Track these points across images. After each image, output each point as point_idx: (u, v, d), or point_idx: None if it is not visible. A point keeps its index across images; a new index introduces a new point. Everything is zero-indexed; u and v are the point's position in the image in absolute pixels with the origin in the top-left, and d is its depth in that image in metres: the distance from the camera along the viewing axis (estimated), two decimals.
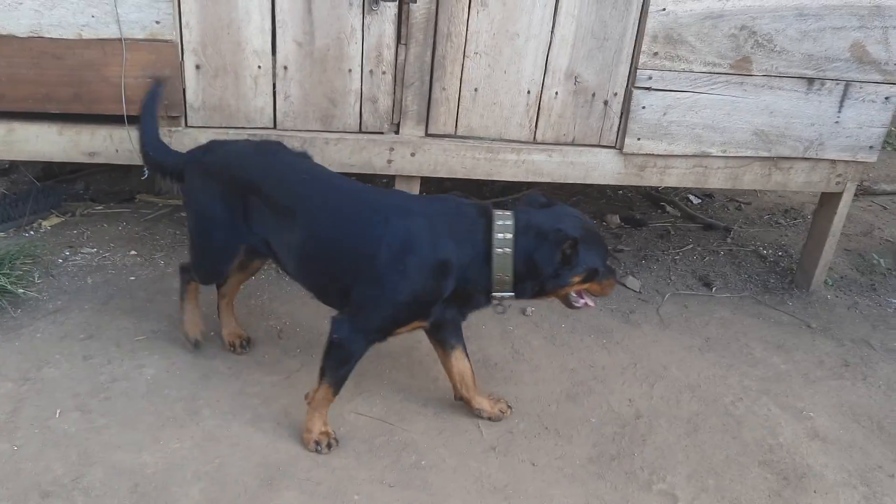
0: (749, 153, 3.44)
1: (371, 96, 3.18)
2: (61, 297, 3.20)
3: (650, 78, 3.22)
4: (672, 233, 4.49)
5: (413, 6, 3.03)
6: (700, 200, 5.09)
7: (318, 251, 2.47)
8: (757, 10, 3.14)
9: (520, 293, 2.37)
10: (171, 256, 3.61)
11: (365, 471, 2.47)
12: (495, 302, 2.44)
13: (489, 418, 2.73)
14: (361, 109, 3.20)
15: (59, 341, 2.92)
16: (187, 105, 3.08)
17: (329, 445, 2.51)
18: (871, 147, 3.49)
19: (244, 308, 3.28)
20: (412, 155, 3.27)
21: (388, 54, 3.11)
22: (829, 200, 3.73)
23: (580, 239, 2.31)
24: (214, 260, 2.73)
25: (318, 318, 3.25)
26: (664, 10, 3.10)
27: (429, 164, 3.30)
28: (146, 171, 3.11)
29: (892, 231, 4.85)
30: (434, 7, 3.04)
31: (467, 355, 2.70)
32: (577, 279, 2.39)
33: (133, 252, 3.62)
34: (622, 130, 3.34)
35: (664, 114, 3.30)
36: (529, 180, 3.40)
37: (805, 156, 3.48)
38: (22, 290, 3.13)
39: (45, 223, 3.79)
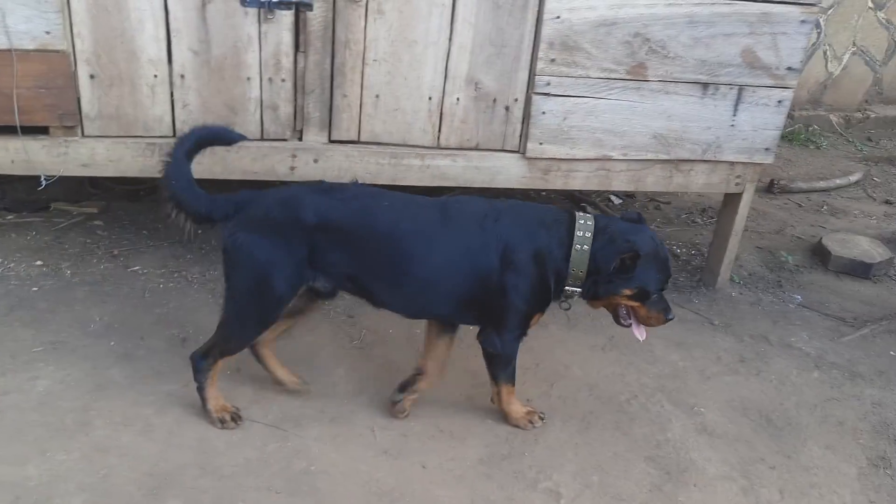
0: (650, 156, 3.53)
1: (271, 104, 3.19)
2: None
3: (549, 84, 3.29)
4: None
5: (309, 14, 3.06)
6: (621, 201, 5.19)
7: (434, 276, 2.60)
8: (649, 18, 3.23)
9: (584, 291, 2.62)
10: (78, 266, 3.59)
11: (253, 478, 2.49)
12: (563, 298, 2.66)
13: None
14: (262, 117, 3.22)
15: None
16: (83, 115, 3.06)
17: (541, 418, 2.84)
18: (766, 149, 3.61)
19: (149, 317, 3.27)
20: (315, 161, 3.29)
21: (287, 62, 3.13)
22: (730, 201, 3.84)
23: (643, 255, 2.52)
24: (270, 310, 2.58)
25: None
26: (559, 17, 3.16)
27: (333, 171, 3.33)
28: (44, 182, 3.10)
29: (803, 228, 5.00)
30: (331, 15, 3.07)
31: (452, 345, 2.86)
32: (627, 292, 2.59)
33: (38, 262, 3.59)
34: (524, 135, 3.40)
35: (564, 119, 3.37)
36: (435, 185, 3.44)
37: (704, 158, 3.58)
38: None
39: None
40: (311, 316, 2.99)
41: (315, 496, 2.44)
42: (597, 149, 3.47)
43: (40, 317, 3.17)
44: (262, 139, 3.26)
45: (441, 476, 2.57)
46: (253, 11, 3.02)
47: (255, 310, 2.58)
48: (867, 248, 4.46)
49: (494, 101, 3.34)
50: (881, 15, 6.95)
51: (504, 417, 2.83)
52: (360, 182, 2.83)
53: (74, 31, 2.92)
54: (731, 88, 3.44)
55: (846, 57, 7.01)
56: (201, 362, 2.64)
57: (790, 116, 6.99)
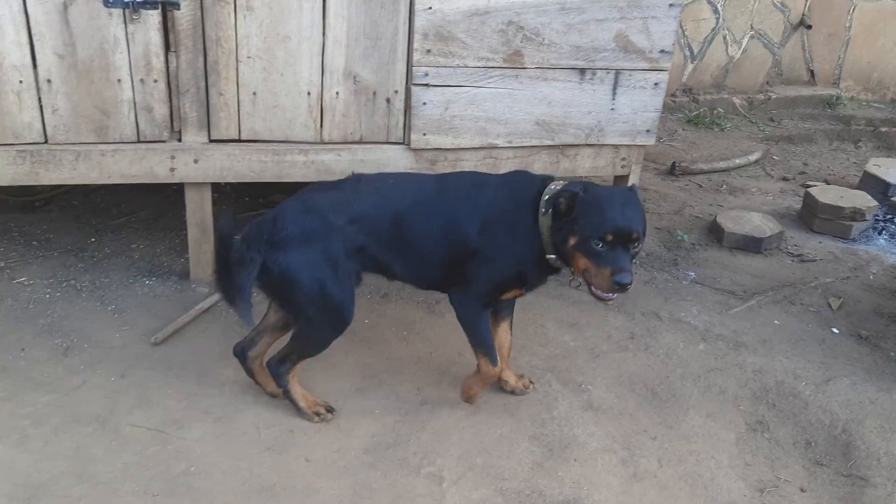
0: (534, 142, 3.59)
1: (145, 105, 3.15)
2: None
3: (427, 75, 3.32)
4: None
5: (177, 13, 3.03)
6: None
7: (426, 245, 2.69)
8: (521, 6, 3.28)
9: (557, 255, 2.55)
10: None
11: (130, 483, 2.46)
12: (554, 272, 2.65)
13: (512, 391, 2.97)
14: (137, 119, 3.17)
15: None
16: None
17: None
18: (647, 131, 3.70)
19: (31, 328, 3.20)
20: (196, 162, 3.26)
21: (158, 62, 3.09)
22: (619, 183, 3.93)
23: (582, 197, 2.42)
24: (339, 312, 2.63)
25: (108, 332, 3.20)
26: (430, 8, 3.19)
27: (214, 171, 3.30)
28: None
29: (702, 208, 5.13)
30: (199, 13, 3.04)
31: (511, 330, 2.97)
32: (572, 241, 2.45)
33: None
34: (408, 127, 3.42)
35: (446, 108, 3.40)
36: (322, 180, 3.44)
37: (588, 142, 3.66)
38: None
39: None
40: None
41: (193, 496, 2.42)
42: (481, 137, 3.51)
43: None
44: (138, 141, 3.22)
45: (325, 468, 2.58)
46: (117, 12, 2.97)
47: (326, 318, 2.63)
48: (759, 224, 4.61)
49: (374, 93, 3.35)
50: None
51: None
52: (353, 174, 2.90)
53: None
54: (607, 73, 3.52)
55: (745, 41, 7.22)
56: (279, 368, 2.72)
57: (695, 100, 7.18)
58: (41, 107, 3.06)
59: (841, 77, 7.66)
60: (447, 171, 3.58)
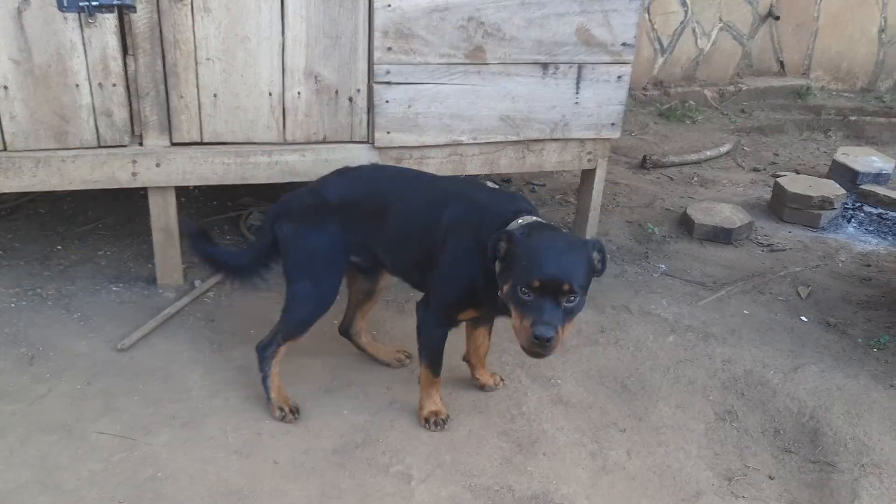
0: (500, 138, 3.59)
1: (105, 110, 3.12)
2: None
3: (388, 72, 3.31)
4: None
5: (133, 16, 3.00)
6: (497, 186, 5.25)
7: (403, 242, 2.69)
8: (481, 2, 3.28)
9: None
10: None
11: (96, 490, 2.43)
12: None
13: (484, 388, 2.97)
14: (97, 123, 3.14)
15: None
16: None
17: (437, 423, 2.74)
18: (612, 124, 3.71)
19: None
20: (158, 166, 3.23)
21: (116, 66, 3.06)
22: (587, 177, 3.94)
23: (519, 241, 2.25)
24: (324, 286, 2.74)
25: (74, 339, 3.17)
26: (390, 6, 3.18)
27: (177, 174, 3.27)
28: None
29: (673, 200, 5.16)
30: (156, 16, 3.01)
31: (490, 335, 2.93)
32: (505, 287, 2.26)
33: None
34: (371, 125, 3.41)
35: (409, 106, 3.39)
36: (287, 181, 3.42)
37: (553, 137, 3.66)
38: None
39: None
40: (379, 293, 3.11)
41: (159, 502, 2.39)
42: (446, 134, 3.51)
43: None
44: (98, 146, 3.18)
45: (292, 470, 2.56)
46: (73, 16, 2.94)
47: (311, 289, 2.71)
48: (728, 215, 4.64)
49: (337, 92, 3.34)
50: None
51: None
52: (371, 164, 3.07)
53: None
54: (570, 67, 3.53)
55: (714, 33, 7.26)
56: (265, 352, 2.75)
57: (666, 93, 7.22)
58: None
59: (810, 67, 7.72)
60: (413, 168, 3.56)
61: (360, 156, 3.46)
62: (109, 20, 2.98)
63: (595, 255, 2.31)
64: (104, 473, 2.50)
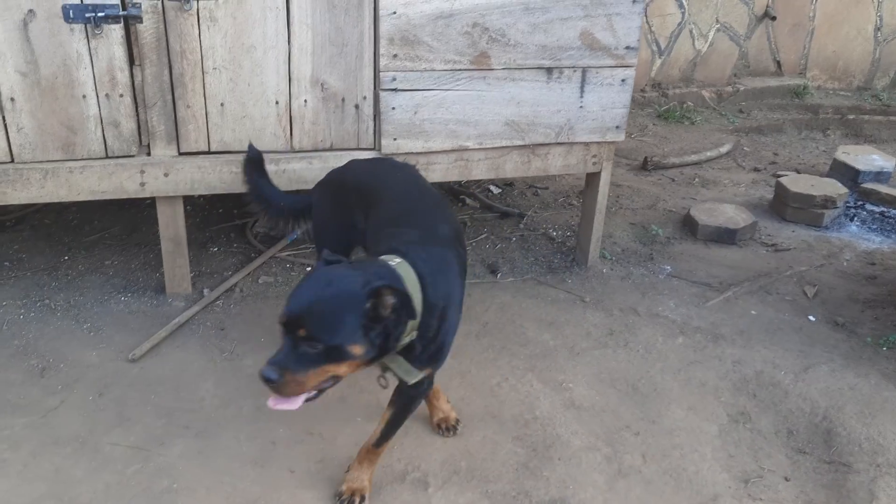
0: (505, 143, 3.59)
1: (112, 120, 3.11)
2: None
3: (394, 79, 3.31)
4: (469, 224, 4.63)
5: (140, 27, 2.99)
6: (500, 190, 5.27)
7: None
8: (485, 8, 3.28)
9: None
10: None
11: (112, 503, 2.42)
12: None
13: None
14: (104, 134, 3.13)
15: None
16: None
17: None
18: (617, 127, 3.72)
19: (5, 349, 3.16)
20: (166, 175, 3.23)
21: (123, 77, 3.06)
22: (592, 180, 3.94)
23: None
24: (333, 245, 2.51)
25: (84, 350, 3.16)
26: (395, 13, 3.19)
27: (185, 183, 3.27)
28: None
29: (675, 202, 5.17)
30: (162, 26, 3.01)
31: None
32: None
33: None
34: (378, 132, 3.42)
35: (415, 113, 3.39)
36: (294, 189, 3.42)
37: (558, 141, 3.67)
38: None
39: None
40: None
41: None
42: (452, 140, 3.51)
43: None
44: (106, 157, 3.18)
45: (308, 479, 2.56)
46: (79, 27, 2.94)
47: (322, 245, 2.69)
48: (732, 215, 4.65)
49: (343, 100, 3.34)
50: None
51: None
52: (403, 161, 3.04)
53: None
54: (574, 71, 3.53)
55: (711, 34, 7.28)
56: None
57: (664, 95, 7.23)
58: (5, 126, 3.01)
59: (807, 67, 7.75)
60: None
61: None
62: (116, 31, 2.98)
63: (369, 302, 1.96)
64: (119, 486, 2.49)
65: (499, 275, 4.02)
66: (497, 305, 3.71)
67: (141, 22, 2.99)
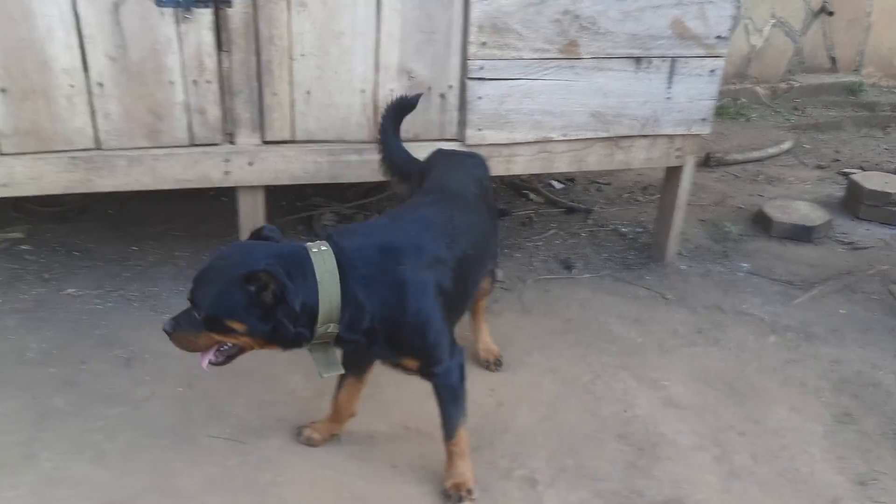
0: (589, 135, 3.51)
1: (198, 107, 3.06)
2: None
3: (482, 68, 3.23)
4: (535, 220, 4.55)
5: (230, 11, 2.94)
6: (563, 185, 5.18)
7: None
8: None
9: None
10: (7, 294, 3.38)
11: (218, 496, 2.36)
12: None
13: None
14: (190, 122, 3.08)
15: None
16: None
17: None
18: (703, 119, 3.62)
19: (88, 340, 3.11)
20: (250, 164, 3.17)
21: (211, 62, 3.00)
22: (672, 174, 3.85)
23: None
24: None
25: (168, 342, 3.09)
26: None
27: (269, 173, 3.21)
28: None
29: (743, 198, 5.07)
30: (252, 11, 2.95)
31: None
32: None
33: None
34: (462, 122, 3.34)
35: (501, 103, 3.32)
36: (377, 180, 3.35)
37: (643, 133, 3.58)
38: None
39: None
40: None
41: None
42: (536, 131, 3.43)
43: None
44: (191, 145, 3.12)
45: (412, 474, 2.49)
46: (169, 11, 2.88)
47: None
48: (807, 213, 4.54)
49: (429, 89, 3.27)
50: None
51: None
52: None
53: None
54: (663, 61, 3.44)
55: (767, 29, 7.16)
56: None
57: (719, 91, 7.09)
58: (93, 112, 2.96)
59: (862, 63, 7.60)
60: (500, 167, 3.49)
61: None
62: (205, 15, 2.93)
63: (251, 285, 1.99)
64: (223, 478, 2.43)
65: (573, 270, 3.94)
66: (577, 302, 3.62)
67: (230, 6, 2.93)
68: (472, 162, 2.92)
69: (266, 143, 3.21)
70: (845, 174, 5.39)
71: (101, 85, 2.92)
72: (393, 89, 3.23)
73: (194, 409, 2.73)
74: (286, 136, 3.21)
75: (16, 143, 2.91)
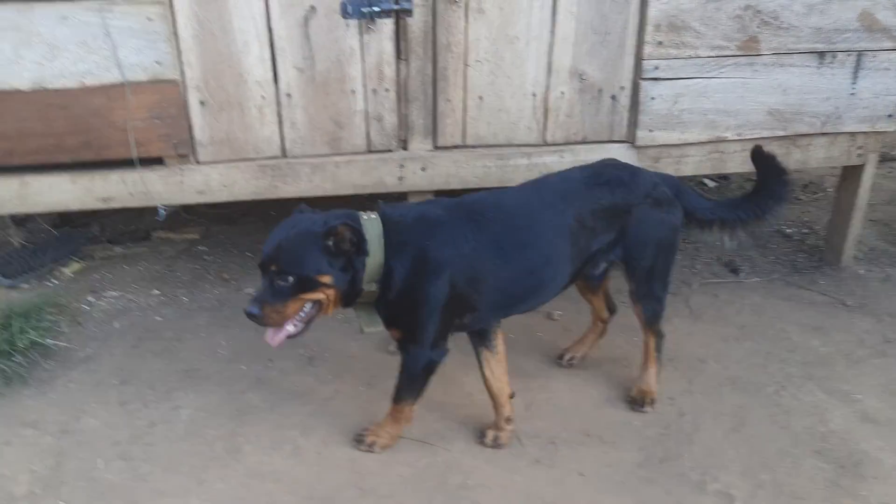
0: (765, 133, 3.38)
1: (376, 115, 3.14)
2: (91, 344, 3.19)
3: (657, 68, 3.17)
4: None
5: (409, 20, 3.00)
6: (716, 184, 5.02)
7: None
8: None
9: None
10: (194, 293, 3.60)
11: (412, 496, 2.43)
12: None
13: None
14: (368, 129, 3.17)
15: (94, 389, 2.91)
16: (195, 142, 3.06)
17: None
18: (889, 116, 3.42)
19: None
20: (423, 170, 3.23)
21: (390, 71, 3.08)
22: (851, 173, 3.66)
23: None
24: None
25: (346, 342, 3.22)
26: None
27: (440, 177, 3.26)
28: (162, 212, 3.10)
29: None
30: (431, 19, 3.01)
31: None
32: None
33: (156, 291, 3.61)
34: (633, 124, 3.29)
35: (675, 102, 3.25)
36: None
37: (823, 131, 3.42)
38: (51, 341, 3.13)
39: (67, 270, 3.78)
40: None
41: None
42: (709, 131, 3.33)
43: (169, 346, 3.18)
44: (368, 151, 3.21)
45: (601, 484, 2.48)
46: (354, 23, 2.97)
47: None
48: None
49: (600, 91, 3.23)
50: None
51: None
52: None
53: (183, 58, 2.91)
54: (849, 55, 3.27)
55: None
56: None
57: None
58: (280, 121, 3.09)
59: None
60: (669, 168, 3.41)
61: (618, 155, 3.31)
62: (387, 25, 3.00)
63: (329, 239, 2.21)
64: (414, 479, 2.50)
65: (741, 274, 3.80)
66: (749, 307, 3.50)
67: (411, 15, 2.99)
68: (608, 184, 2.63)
69: (437, 148, 3.26)
70: None
71: (289, 95, 3.05)
72: (564, 92, 3.22)
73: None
74: (457, 141, 3.25)
75: (212, 152, 3.08)
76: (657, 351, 2.80)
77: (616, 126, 3.32)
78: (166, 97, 2.91)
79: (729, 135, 3.35)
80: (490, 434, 2.64)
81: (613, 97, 3.25)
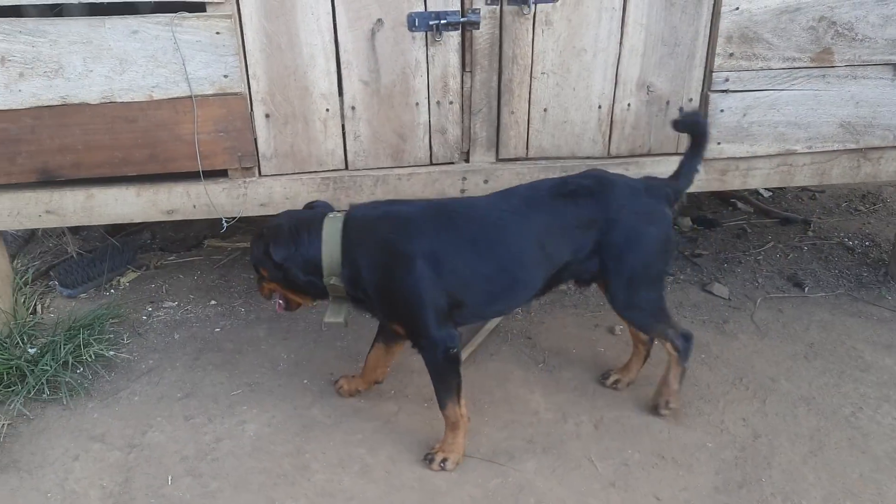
0: (836, 147, 3.30)
1: (440, 127, 3.11)
2: (152, 355, 3.19)
3: (727, 80, 3.11)
4: (749, 231, 4.35)
5: (476, 33, 2.96)
6: (770, 193, 4.93)
7: None
8: (835, 0, 3.00)
9: None
10: (251, 303, 3.59)
11: None
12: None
13: None
14: (431, 142, 3.14)
15: (158, 402, 2.91)
16: (259, 154, 3.04)
17: None
18: None
19: (330, 351, 3.24)
20: (485, 182, 3.19)
21: (454, 83, 3.04)
22: None
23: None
24: None
25: (406, 356, 3.18)
26: (737, 9, 2.98)
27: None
28: (225, 224, 3.09)
29: None
30: (497, 31, 2.97)
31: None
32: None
33: (213, 302, 3.60)
34: None
35: (744, 115, 3.18)
36: None
37: (895, 144, 3.32)
38: (113, 353, 3.13)
39: (123, 280, 3.80)
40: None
41: None
42: (779, 144, 3.26)
43: (230, 358, 3.17)
44: (430, 164, 3.18)
45: None
46: (420, 36, 2.94)
47: None
48: None
49: (667, 103, 3.17)
50: None
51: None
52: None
53: (250, 72, 2.90)
54: None
55: None
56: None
57: None
58: (344, 134, 3.07)
59: None
60: (736, 181, 3.35)
61: None
62: (453, 38, 2.96)
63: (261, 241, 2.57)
64: (485, 500, 2.46)
65: (806, 288, 3.72)
66: (817, 324, 3.42)
67: (478, 28, 2.96)
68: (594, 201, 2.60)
69: (500, 160, 3.22)
70: None
71: (353, 108, 3.03)
72: (630, 104, 3.16)
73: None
74: (520, 153, 3.21)
75: (275, 165, 3.07)
76: (678, 355, 2.74)
77: (683, 138, 3.25)
78: (232, 110, 2.90)
79: (799, 147, 3.28)
80: (340, 381, 2.98)
81: (681, 109, 3.19)
